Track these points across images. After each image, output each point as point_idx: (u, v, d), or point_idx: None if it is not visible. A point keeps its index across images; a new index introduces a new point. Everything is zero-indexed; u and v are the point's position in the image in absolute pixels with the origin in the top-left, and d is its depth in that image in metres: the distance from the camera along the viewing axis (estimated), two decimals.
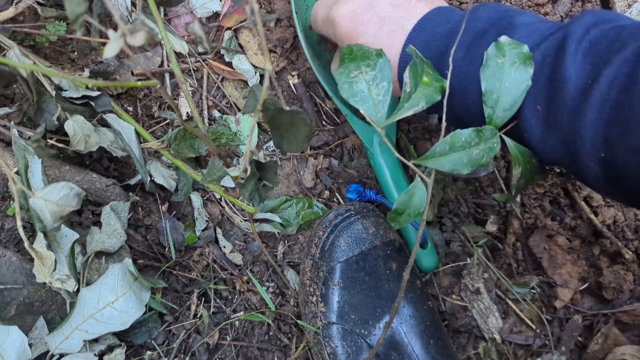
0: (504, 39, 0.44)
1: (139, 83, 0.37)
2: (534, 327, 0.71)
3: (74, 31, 0.55)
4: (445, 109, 0.46)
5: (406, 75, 0.46)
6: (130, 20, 0.56)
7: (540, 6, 0.64)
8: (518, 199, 0.70)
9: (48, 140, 0.50)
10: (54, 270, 0.46)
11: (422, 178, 0.47)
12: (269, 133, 0.70)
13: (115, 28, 0.31)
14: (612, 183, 0.40)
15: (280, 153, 0.69)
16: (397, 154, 0.46)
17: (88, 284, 0.51)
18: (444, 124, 0.46)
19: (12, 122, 0.46)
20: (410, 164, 0.45)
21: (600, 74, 0.38)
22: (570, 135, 0.40)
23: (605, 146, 0.38)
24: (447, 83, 0.46)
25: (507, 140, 0.47)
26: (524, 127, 0.45)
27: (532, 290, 0.71)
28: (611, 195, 0.44)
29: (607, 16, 0.42)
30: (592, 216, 0.70)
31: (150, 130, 0.64)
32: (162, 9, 0.67)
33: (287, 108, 0.41)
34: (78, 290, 0.51)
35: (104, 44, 0.61)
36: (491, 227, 0.71)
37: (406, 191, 0.46)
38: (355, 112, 0.68)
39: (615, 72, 0.37)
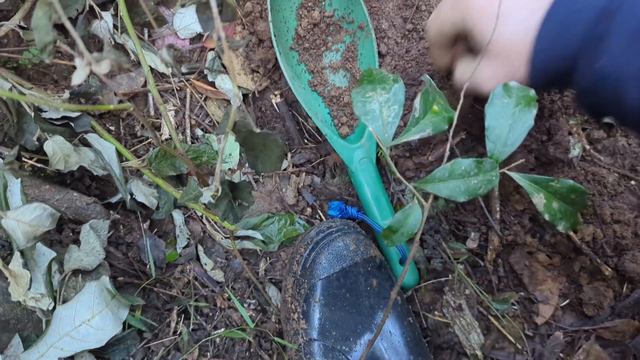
0: (512, 83, 0.46)
1: (111, 106, 0.38)
2: (516, 343, 0.71)
3: (68, 42, 0.56)
4: (451, 135, 0.47)
5: (417, 101, 0.48)
6: (112, 43, 0.57)
7: None
8: (497, 215, 0.70)
9: (28, 160, 0.51)
10: (29, 288, 0.47)
11: (419, 201, 0.48)
12: None
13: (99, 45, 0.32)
14: None
15: (256, 173, 0.70)
16: (398, 174, 0.47)
17: (65, 301, 0.52)
18: (447, 151, 0.47)
19: None
20: (410, 186, 0.47)
21: None
22: None
23: None
24: (455, 115, 0.48)
25: (513, 174, 0.49)
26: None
27: (513, 307, 0.72)
28: None
29: None
30: (571, 233, 0.70)
31: (132, 148, 0.65)
32: (146, 30, 0.68)
33: (258, 130, 0.42)
34: (55, 308, 0.51)
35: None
36: (471, 243, 0.72)
37: (402, 210, 0.48)
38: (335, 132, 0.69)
39: None
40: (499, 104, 0.46)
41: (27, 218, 0.36)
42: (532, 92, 0.46)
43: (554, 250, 0.73)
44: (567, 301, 0.73)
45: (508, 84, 0.47)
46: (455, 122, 0.47)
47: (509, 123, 0.46)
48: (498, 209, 0.70)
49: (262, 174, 0.70)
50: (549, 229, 0.72)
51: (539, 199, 0.49)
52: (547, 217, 0.50)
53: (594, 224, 0.72)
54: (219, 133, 0.45)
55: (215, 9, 0.35)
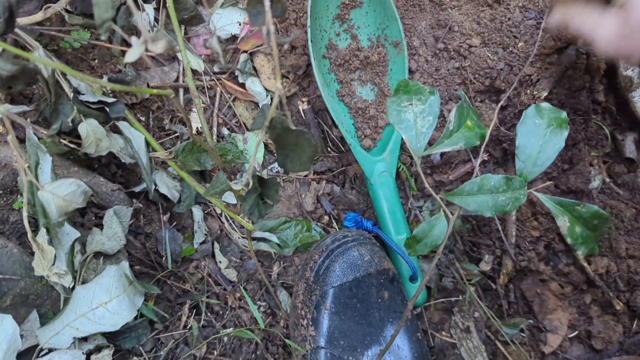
0: (545, 104, 0.47)
1: (155, 90, 0.39)
2: None
3: (99, 36, 0.57)
4: (481, 153, 0.47)
5: (452, 114, 0.48)
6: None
7: (546, 55, 0.67)
8: (513, 240, 0.70)
9: (62, 140, 0.52)
10: (53, 264, 0.47)
11: (445, 213, 0.49)
12: (274, 154, 0.72)
13: (138, 36, 0.33)
14: None
15: (284, 172, 0.71)
16: (427, 185, 0.47)
17: (84, 282, 0.52)
18: (477, 165, 0.48)
19: (28, 120, 0.47)
20: (437, 197, 0.47)
21: None
22: None
23: None
24: (487, 132, 0.48)
25: (539, 195, 0.49)
26: None
27: (522, 334, 0.71)
28: None
29: None
30: (585, 264, 0.70)
31: (159, 141, 0.66)
32: (182, 28, 0.70)
33: (294, 127, 0.42)
34: (73, 287, 0.52)
35: (124, 52, 0.64)
36: (485, 266, 0.72)
37: (428, 221, 0.49)
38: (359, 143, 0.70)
39: None
40: (531, 123, 0.47)
41: (62, 192, 0.37)
42: (564, 114, 0.47)
43: (566, 280, 0.73)
44: (576, 332, 0.72)
45: (540, 105, 0.48)
46: (487, 138, 0.47)
47: (540, 144, 0.47)
48: (514, 233, 0.70)
49: (284, 177, 0.71)
50: (563, 257, 0.72)
51: (563, 222, 0.50)
52: (569, 240, 0.50)
53: (609, 257, 0.72)
54: (253, 128, 0.46)
55: (267, 3, 0.36)
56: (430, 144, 0.68)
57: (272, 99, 0.72)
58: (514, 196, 0.47)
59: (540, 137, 0.47)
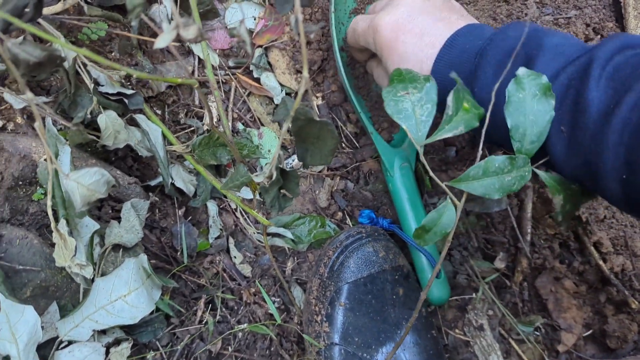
0: (521, 71, 0.46)
1: (179, 80, 0.39)
2: None
3: (117, 27, 0.57)
4: (482, 135, 0.47)
5: (450, 99, 0.48)
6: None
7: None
8: (528, 237, 0.70)
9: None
10: (74, 255, 0.47)
11: (452, 200, 0.48)
12: (289, 150, 0.72)
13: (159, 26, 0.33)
14: (632, 202, 0.41)
15: (302, 166, 0.70)
16: (432, 174, 0.46)
17: (103, 274, 0.52)
18: (479, 150, 0.47)
19: (47, 110, 0.47)
20: (443, 185, 0.47)
21: (622, 99, 0.39)
22: (593, 157, 0.41)
23: (627, 168, 0.39)
24: (487, 113, 0.48)
25: (540, 172, 0.48)
26: (548, 146, 0.46)
27: (536, 332, 0.71)
28: (630, 212, 0.45)
29: (633, 41, 0.43)
30: (601, 262, 0.70)
31: (175, 135, 0.65)
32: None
33: (318, 118, 0.42)
34: (93, 280, 0.51)
35: (142, 43, 0.63)
36: (499, 263, 0.71)
37: (436, 210, 0.48)
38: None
39: (636, 98, 0.38)
40: (515, 100, 0.46)
41: (87, 181, 0.36)
42: (544, 78, 0.46)
43: (581, 278, 0.72)
44: (591, 331, 0.72)
45: (517, 73, 0.46)
46: (487, 120, 0.46)
47: (530, 119, 0.46)
48: (529, 230, 0.70)
49: (299, 172, 0.71)
50: (578, 256, 0.72)
51: (558, 200, 0.49)
52: (559, 217, 0.50)
53: (624, 256, 0.71)
54: (276, 119, 0.45)
55: None
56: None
57: (287, 93, 0.72)
58: (519, 174, 0.46)
59: (528, 111, 0.46)
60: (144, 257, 0.53)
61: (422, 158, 0.47)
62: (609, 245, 0.71)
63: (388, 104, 0.49)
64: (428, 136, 0.48)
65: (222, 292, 0.64)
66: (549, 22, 0.67)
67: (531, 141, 0.47)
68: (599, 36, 0.67)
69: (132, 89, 0.55)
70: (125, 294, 0.51)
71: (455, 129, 0.48)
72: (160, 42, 0.32)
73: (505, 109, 0.46)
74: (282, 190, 0.50)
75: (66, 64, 0.47)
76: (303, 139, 0.47)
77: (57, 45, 0.46)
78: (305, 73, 0.39)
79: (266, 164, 0.66)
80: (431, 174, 0.47)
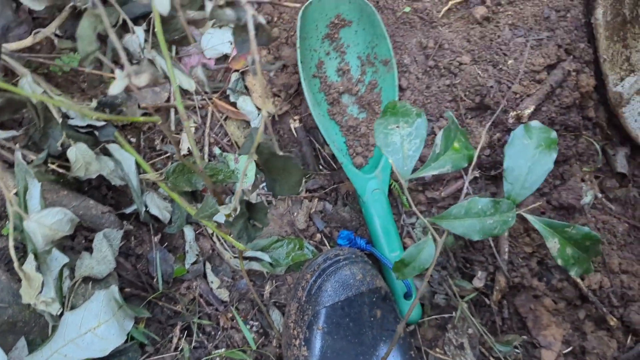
0: (534, 123, 0.47)
1: (141, 118, 0.39)
2: None
3: (102, 52, 0.58)
4: (469, 173, 0.47)
5: (439, 137, 0.48)
6: (142, 57, 0.58)
7: (536, 72, 0.67)
8: (506, 256, 0.70)
9: (50, 164, 0.52)
10: (40, 292, 0.47)
11: (433, 236, 0.48)
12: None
13: (123, 66, 0.33)
14: None
15: (272, 196, 0.71)
16: (414, 208, 0.47)
17: (73, 308, 0.52)
18: (465, 188, 0.48)
19: (17, 145, 0.47)
20: (425, 221, 0.47)
21: None
22: None
23: None
24: (475, 153, 0.48)
25: (529, 217, 0.49)
26: None
27: (516, 350, 0.71)
28: None
29: None
30: (579, 280, 0.70)
31: (151, 162, 0.66)
32: (174, 48, 0.70)
33: (281, 153, 0.42)
34: (62, 313, 0.51)
35: (113, 78, 0.64)
36: (478, 282, 0.71)
37: (416, 245, 0.48)
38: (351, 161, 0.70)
39: None
40: (520, 144, 0.47)
41: (48, 221, 0.37)
42: (554, 134, 0.47)
43: (560, 295, 0.73)
44: (570, 348, 0.72)
45: (529, 125, 0.48)
46: (475, 160, 0.47)
47: (528, 165, 0.47)
48: (507, 249, 0.70)
49: (278, 197, 0.71)
50: (556, 273, 0.72)
51: (553, 244, 0.50)
52: (560, 262, 0.50)
53: (602, 273, 0.71)
54: (241, 153, 0.46)
55: (252, 33, 0.36)
56: (422, 161, 0.68)
57: (259, 120, 0.72)
58: (502, 219, 0.47)
59: (529, 158, 0.47)
60: (114, 288, 0.53)
61: (406, 193, 0.48)
62: None
63: (378, 136, 0.49)
64: (413, 171, 0.49)
65: (199, 318, 0.65)
66: (521, 44, 0.68)
67: (522, 186, 0.47)
68: (571, 57, 0.68)
69: (105, 119, 0.55)
70: (95, 327, 0.51)
71: (442, 167, 0.48)
72: (113, 90, 0.32)
73: (505, 149, 0.47)
74: (251, 220, 0.51)
75: (34, 99, 0.47)
76: (270, 170, 0.48)
77: (23, 81, 0.47)
78: (265, 111, 0.39)
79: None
80: (414, 208, 0.47)
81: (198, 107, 0.70)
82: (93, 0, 0.31)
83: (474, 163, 0.48)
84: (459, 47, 0.70)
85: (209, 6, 0.35)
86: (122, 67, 0.32)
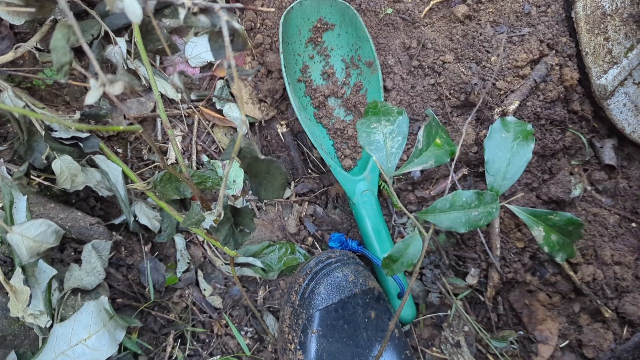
0: (510, 118, 0.48)
1: (121, 127, 0.39)
2: None
3: (84, 66, 0.58)
4: (452, 168, 0.48)
5: (420, 133, 0.49)
6: (125, 68, 0.59)
7: (519, 68, 0.67)
8: (498, 252, 0.70)
9: (36, 178, 0.52)
10: (28, 305, 0.47)
11: (420, 231, 0.49)
12: None
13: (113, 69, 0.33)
14: None
15: (258, 200, 0.71)
16: (400, 205, 0.47)
17: (62, 320, 0.52)
18: (449, 182, 0.48)
19: (1, 160, 0.48)
20: (411, 216, 0.48)
21: None
22: None
23: None
24: (457, 148, 0.49)
25: (512, 207, 0.50)
26: None
27: (512, 346, 0.71)
28: None
29: None
30: (572, 273, 0.70)
31: (139, 172, 0.66)
32: (158, 57, 0.70)
33: (262, 157, 0.43)
34: (52, 326, 0.51)
35: None
36: (471, 279, 0.71)
37: (403, 240, 0.49)
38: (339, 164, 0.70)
39: None
40: (498, 137, 0.48)
41: (31, 233, 0.37)
42: (529, 126, 0.48)
43: (554, 289, 0.73)
44: (567, 342, 0.72)
45: (505, 119, 0.48)
46: (457, 154, 0.48)
47: (507, 157, 0.47)
48: (499, 245, 0.70)
49: (265, 201, 0.71)
50: (549, 267, 0.72)
51: (538, 232, 0.50)
52: (546, 249, 0.51)
53: (594, 265, 0.72)
54: (224, 158, 0.46)
55: (227, 39, 0.37)
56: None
57: (251, 125, 0.72)
58: (487, 210, 0.47)
59: (508, 150, 0.48)
60: (104, 298, 0.53)
61: (391, 189, 0.48)
62: (579, 255, 0.71)
63: (361, 135, 0.50)
64: (397, 168, 0.49)
65: (193, 326, 0.64)
66: (503, 40, 0.68)
67: (503, 178, 0.48)
68: (553, 51, 0.68)
69: (89, 130, 0.55)
70: (86, 338, 0.51)
71: (425, 162, 0.49)
72: (89, 100, 0.33)
73: (485, 142, 0.48)
74: (238, 226, 0.51)
75: (16, 114, 0.47)
76: (255, 174, 0.48)
77: (4, 95, 0.47)
78: (243, 116, 0.39)
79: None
80: (400, 205, 0.48)
81: (184, 115, 0.70)
82: (64, 11, 0.31)
83: (456, 158, 0.48)
84: (442, 46, 0.71)
85: (182, 13, 0.35)
86: (97, 77, 0.32)
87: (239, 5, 0.35)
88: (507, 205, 0.50)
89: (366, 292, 0.63)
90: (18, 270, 0.48)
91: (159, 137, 0.69)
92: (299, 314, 0.62)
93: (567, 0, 0.70)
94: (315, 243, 0.72)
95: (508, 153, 0.47)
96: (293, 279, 0.65)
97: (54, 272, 0.51)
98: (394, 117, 0.50)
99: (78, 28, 0.30)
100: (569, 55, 0.70)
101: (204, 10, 0.38)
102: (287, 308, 0.63)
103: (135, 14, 0.33)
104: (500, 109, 0.66)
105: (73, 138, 0.53)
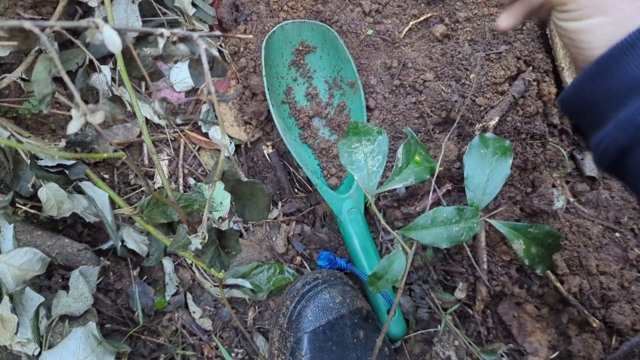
0: (489, 134, 0.50)
1: (105, 155, 0.40)
2: None
3: (68, 94, 0.59)
4: (433, 185, 0.49)
5: (400, 151, 0.50)
6: (110, 95, 0.60)
7: (497, 85, 0.69)
8: (485, 266, 0.71)
9: (22, 206, 0.52)
10: (16, 333, 0.47)
11: (403, 247, 0.49)
12: None
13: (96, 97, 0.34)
14: None
15: (243, 222, 0.71)
16: (383, 222, 0.48)
17: (51, 347, 0.52)
18: (430, 200, 0.49)
19: None
20: (395, 233, 0.48)
21: None
22: None
23: None
24: (437, 165, 0.50)
25: (493, 222, 0.51)
26: None
27: (503, 358, 0.71)
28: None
29: None
30: (558, 284, 0.71)
31: (126, 196, 0.66)
32: (143, 83, 0.71)
33: (245, 179, 0.43)
34: (40, 353, 0.51)
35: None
36: (460, 294, 0.72)
37: (387, 257, 0.49)
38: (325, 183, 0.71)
39: None
40: (477, 154, 0.49)
41: (17, 262, 0.37)
42: (507, 142, 0.49)
43: (542, 301, 0.73)
44: (557, 353, 0.72)
45: (484, 136, 0.49)
46: (437, 171, 0.49)
47: (487, 172, 0.48)
48: (485, 259, 0.71)
49: (252, 222, 0.72)
50: (536, 279, 0.73)
51: (518, 245, 0.51)
52: (526, 261, 0.52)
53: (580, 275, 0.72)
54: (207, 182, 0.47)
55: (206, 65, 0.38)
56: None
57: (237, 147, 0.73)
58: (468, 226, 0.48)
59: (487, 166, 0.49)
60: (92, 324, 0.53)
61: (374, 207, 0.49)
62: (564, 266, 0.72)
63: (342, 155, 0.51)
64: (379, 186, 0.50)
65: (183, 349, 0.64)
66: (481, 58, 0.70)
67: (483, 193, 0.49)
68: (530, 67, 0.70)
69: (75, 158, 0.56)
70: None
71: (405, 180, 0.50)
72: (71, 129, 0.33)
73: (464, 158, 0.49)
74: (225, 248, 0.51)
75: (2, 143, 0.48)
76: (239, 196, 0.49)
77: None
78: (225, 140, 0.40)
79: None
80: (383, 222, 0.48)
81: (170, 139, 0.71)
82: (45, 45, 0.32)
83: (436, 174, 0.49)
84: (422, 65, 0.72)
85: (161, 43, 0.36)
86: (78, 107, 0.33)
87: (217, 33, 0.36)
88: (487, 219, 0.51)
89: (354, 312, 0.63)
90: (5, 298, 0.48)
91: (146, 162, 0.70)
92: (287, 337, 0.62)
93: None
94: (304, 262, 0.73)
95: (487, 169, 0.49)
96: (280, 300, 0.65)
97: (42, 299, 0.51)
98: (374, 136, 0.51)
99: (59, 61, 0.31)
100: (546, 71, 0.71)
101: (183, 39, 0.39)
102: (275, 331, 0.63)
103: (114, 45, 0.34)
104: (481, 124, 0.67)
105: (59, 166, 0.54)
